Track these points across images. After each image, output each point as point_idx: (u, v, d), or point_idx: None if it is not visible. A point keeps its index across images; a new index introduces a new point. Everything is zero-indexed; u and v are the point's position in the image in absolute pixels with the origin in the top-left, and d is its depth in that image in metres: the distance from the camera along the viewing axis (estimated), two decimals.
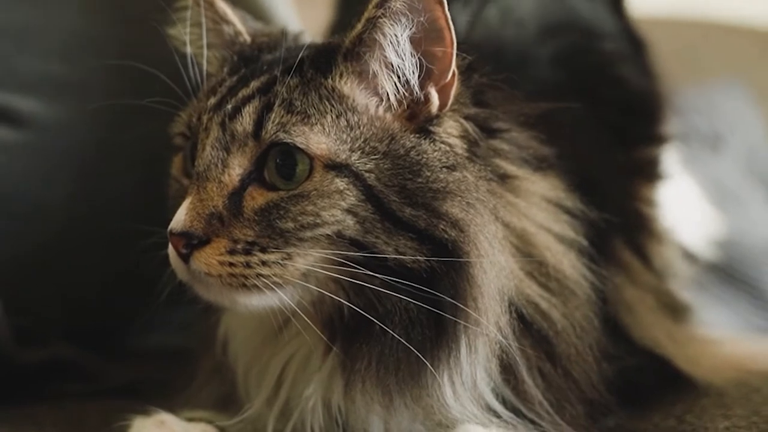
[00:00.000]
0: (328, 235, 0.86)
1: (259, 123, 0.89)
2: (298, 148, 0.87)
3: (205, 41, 0.99)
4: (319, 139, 0.88)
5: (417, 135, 0.91)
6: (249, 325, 0.98)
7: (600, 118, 1.15)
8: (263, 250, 0.87)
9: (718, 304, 1.71)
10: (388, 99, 0.92)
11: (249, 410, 0.96)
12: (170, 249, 0.89)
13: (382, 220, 0.87)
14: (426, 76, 0.91)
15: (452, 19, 0.89)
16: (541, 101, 1.01)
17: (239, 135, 0.89)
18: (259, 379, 0.97)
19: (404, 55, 0.90)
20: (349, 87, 0.91)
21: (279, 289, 0.88)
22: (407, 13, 0.88)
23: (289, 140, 0.87)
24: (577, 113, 1.06)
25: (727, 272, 1.83)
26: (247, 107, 0.90)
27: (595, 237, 1.00)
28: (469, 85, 0.95)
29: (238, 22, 1.03)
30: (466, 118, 0.94)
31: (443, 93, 0.92)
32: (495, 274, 0.90)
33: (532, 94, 1.02)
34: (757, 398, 1.06)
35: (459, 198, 0.88)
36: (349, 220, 0.86)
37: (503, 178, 0.95)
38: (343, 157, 0.88)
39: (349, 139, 0.89)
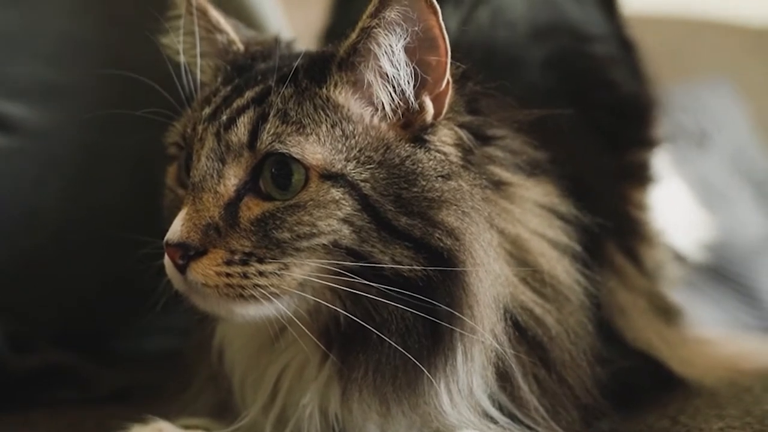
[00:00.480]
0: (324, 244, 0.87)
1: (254, 133, 0.89)
2: (294, 158, 0.87)
3: (198, 50, 0.98)
4: (314, 149, 0.88)
5: (412, 144, 0.91)
6: (245, 334, 0.98)
7: (591, 122, 1.16)
8: (260, 261, 0.87)
9: (707, 302, 1.73)
10: (383, 108, 0.92)
11: (245, 418, 0.96)
12: (166, 260, 0.89)
13: (378, 230, 0.87)
14: (421, 85, 0.91)
15: (444, 23, 0.89)
16: (533, 105, 1.01)
17: (234, 145, 0.89)
18: (255, 387, 0.97)
19: (399, 64, 0.90)
20: (343, 97, 0.91)
21: (276, 299, 0.88)
22: (402, 23, 0.88)
23: (284, 150, 0.87)
24: (568, 117, 1.06)
25: (715, 270, 1.84)
26: (242, 118, 0.90)
27: (588, 241, 1.01)
28: (463, 93, 0.95)
29: (231, 30, 1.03)
30: (461, 126, 0.94)
31: (438, 102, 0.92)
32: (491, 282, 0.91)
33: (523, 98, 1.02)
34: (749, 398, 1.07)
35: (454, 207, 0.89)
36: (345, 230, 0.87)
37: (498, 185, 0.95)
38: (339, 166, 0.88)
39: (344, 149, 0.89)
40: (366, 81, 0.91)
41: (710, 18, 2.79)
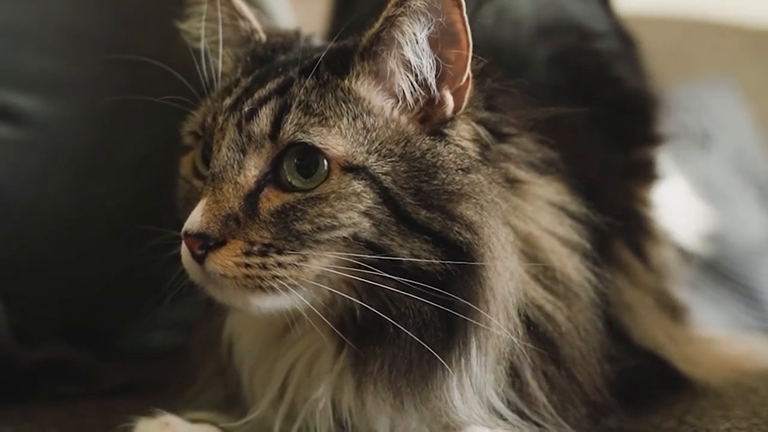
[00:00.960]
0: (344, 237, 0.86)
1: (276, 124, 0.89)
2: (317, 148, 0.87)
3: (221, 37, 0.98)
4: (337, 141, 0.88)
5: (432, 137, 0.91)
6: (255, 327, 0.98)
7: (597, 119, 1.15)
8: (279, 252, 0.86)
9: (708, 302, 1.73)
10: (404, 99, 0.92)
11: (254, 412, 0.96)
12: (183, 250, 0.89)
13: (397, 223, 0.87)
14: (441, 77, 0.91)
15: None
16: (539, 103, 1.01)
17: (256, 136, 0.89)
18: (264, 380, 0.97)
19: (422, 54, 0.90)
20: (365, 89, 0.91)
21: (293, 290, 0.87)
22: (426, 12, 0.88)
23: (308, 140, 0.87)
24: (575, 115, 1.06)
25: (716, 271, 1.85)
26: (264, 108, 0.90)
27: (596, 239, 1.01)
28: (482, 89, 0.95)
29: (254, 19, 1.02)
30: (479, 122, 0.94)
31: (458, 96, 0.92)
32: (508, 277, 0.91)
33: (530, 96, 1.01)
34: (756, 399, 1.07)
35: (474, 200, 0.89)
36: (366, 223, 0.86)
37: (512, 182, 0.95)
38: (361, 159, 0.88)
39: (366, 142, 0.89)
40: (388, 71, 0.91)
41: (710, 18, 2.78)
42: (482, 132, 0.94)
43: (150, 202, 1.06)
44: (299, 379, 0.94)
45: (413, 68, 0.91)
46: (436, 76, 0.91)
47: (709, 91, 2.35)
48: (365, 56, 0.91)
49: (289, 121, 0.88)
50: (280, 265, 0.86)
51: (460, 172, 0.89)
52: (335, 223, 0.86)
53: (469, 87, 0.92)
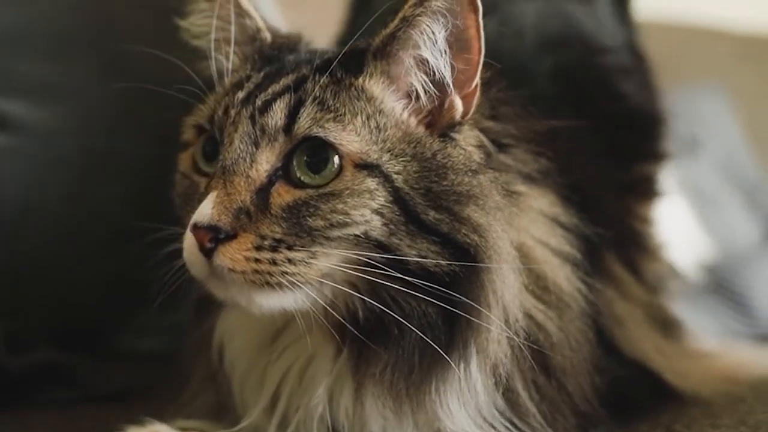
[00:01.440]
0: (356, 235, 0.87)
1: (291, 118, 0.89)
2: (331, 144, 0.88)
3: (233, 31, 0.98)
4: (351, 138, 0.88)
5: (441, 139, 0.92)
6: (246, 330, 0.98)
7: (600, 134, 1.16)
8: (290, 248, 0.86)
9: (698, 310, 1.73)
10: (417, 100, 0.93)
11: (247, 420, 0.96)
12: (187, 243, 0.88)
13: (406, 223, 0.87)
14: (453, 81, 0.92)
15: None
16: (540, 115, 1.01)
17: (270, 129, 0.89)
18: (256, 388, 0.97)
19: (440, 54, 0.91)
20: (378, 88, 0.92)
21: (299, 288, 0.87)
22: (445, 13, 0.89)
23: (323, 134, 0.88)
24: (576, 128, 1.07)
25: (707, 278, 1.85)
26: (279, 102, 0.90)
27: (588, 251, 1.01)
28: (488, 98, 0.96)
29: (259, 18, 1.03)
30: (482, 130, 0.95)
31: (466, 101, 0.93)
32: (512, 281, 0.91)
33: (532, 107, 1.02)
34: (743, 408, 1.07)
35: (480, 203, 0.89)
36: (377, 221, 0.87)
37: (508, 193, 0.95)
38: (375, 157, 0.88)
39: (379, 141, 0.89)
40: (402, 71, 0.92)
41: (700, 24, 2.80)
42: (485, 140, 0.95)
43: (144, 207, 1.06)
44: (293, 386, 0.94)
45: (430, 67, 0.92)
46: (451, 75, 0.92)
47: (699, 96, 2.36)
48: (379, 56, 0.92)
49: (305, 115, 0.88)
50: (290, 261, 0.86)
51: (469, 173, 0.90)
52: (348, 220, 0.86)
53: (477, 94, 0.93)
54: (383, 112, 0.91)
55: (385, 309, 0.88)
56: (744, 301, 1.91)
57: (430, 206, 0.88)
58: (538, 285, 0.96)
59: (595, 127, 1.08)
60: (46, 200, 1.36)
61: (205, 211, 0.87)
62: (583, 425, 0.98)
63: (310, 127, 0.88)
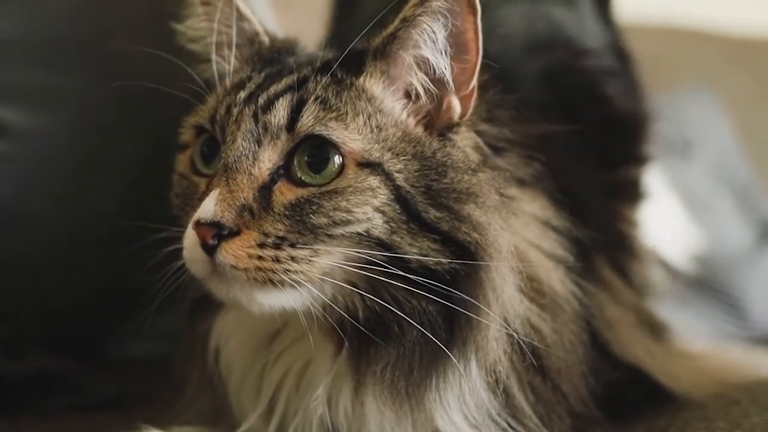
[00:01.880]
0: (358, 233, 0.87)
1: (294, 116, 0.89)
2: (333, 142, 0.88)
3: (234, 33, 0.99)
4: (354, 137, 0.89)
5: (440, 139, 0.93)
6: (244, 332, 0.98)
7: (585, 138, 1.16)
8: (293, 246, 0.86)
9: (691, 312, 1.74)
10: (416, 100, 0.94)
11: (245, 425, 0.96)
12: (189, 242, 0.88)
13: (407, 221, 0.88)
14: (452, 81, 0.93)
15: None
16: (530, 119, 1.02)
17: (272, 127, 0.90)
18: (254, 392, 0.97)
19: (438, 52, 0.92)
20: (379, 88, 0.93)
21: (301, 286, 0.87)
22: (446, 14, 0.90)
23: (326, 133, 0.88)
24: (563, 132, 1.07)
25: (698, 280, 1.86)
26: (281, 100, 0.91)
27: (579, 255, 1.02)
28: (485, 100, 0.97)
29: (256, 22, 1.03)
30: (478, 132, 0.96)
31: (464, 103, 0.94)
32: (512, 279, 0.92)
33: (524, 111, 1.03)
34: (738, 411, 1.07)
35: (480, 201, 0.90)
36: (378, 219, 0.87)
37: (502, 196, 0.96)
38: (377, 155, 0.89)
39: (380, 140, 0.90)
40: (402, 70, 0.93)
41: (691, 26, 2.80)
42: (481, 142, 0.96)
43: (139, 211, 1.05)
44: (291, 388, 0.95)
45: (430, 66, 0.92)
46: (450, 76, 0.93)
47: (690, 99, 2.36)
48: (379, 56, 0.93)
49: (308, 113, 0.89)
50: (293, 259, 0.86)
51: (468, 171, 0.91)
52: (350, 218, 0.87)
53: (475, 96, 0.94)
54: (383, 111, 0.92)
55: (386, 306, 0.88)
56: (737, 303, 1.91)
57: (430, 204, 0.89)
58: (531, 287, 0.96)
59: (580, 131, 1.08)
60: (39, 206, 1.36)
61: (208, 207, 0.87)
62: (579, 426, 0.98)
63: (312, 125, 0.89)
